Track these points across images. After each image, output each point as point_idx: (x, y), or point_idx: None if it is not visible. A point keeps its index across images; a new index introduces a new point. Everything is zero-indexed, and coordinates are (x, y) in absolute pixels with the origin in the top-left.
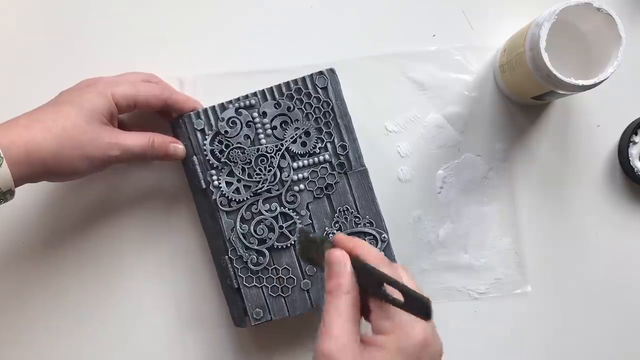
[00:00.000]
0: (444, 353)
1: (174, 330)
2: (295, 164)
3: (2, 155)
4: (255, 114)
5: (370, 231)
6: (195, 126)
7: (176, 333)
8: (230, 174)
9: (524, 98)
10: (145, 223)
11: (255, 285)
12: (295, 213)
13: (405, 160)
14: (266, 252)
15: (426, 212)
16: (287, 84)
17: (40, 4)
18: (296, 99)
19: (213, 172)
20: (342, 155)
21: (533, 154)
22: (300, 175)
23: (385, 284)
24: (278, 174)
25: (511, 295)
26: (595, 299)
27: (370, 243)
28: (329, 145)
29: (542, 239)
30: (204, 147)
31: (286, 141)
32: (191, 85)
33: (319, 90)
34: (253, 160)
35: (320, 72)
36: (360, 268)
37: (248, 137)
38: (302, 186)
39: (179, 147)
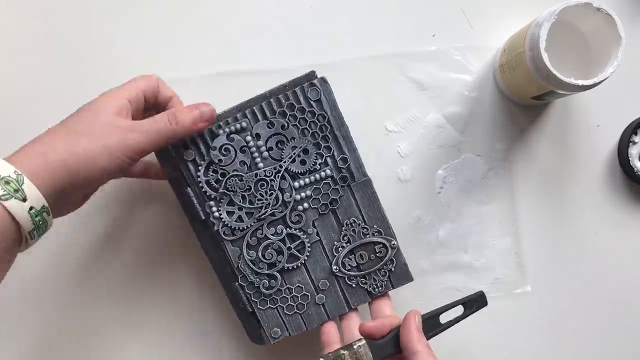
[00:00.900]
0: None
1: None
2: (296, 184)
3: (19, 173)
4: (249, 137)
5: (379, 240)
6: (185, 157)
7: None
8: (230, 203)
9: (524, 98)
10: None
11: (269, 307)
12: (302, 232)
13: (405, 160)
14: (277, 275)
15: (426, 212)
16: (278, 100)
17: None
18: (289, 115)
19: (212, 203)
20: (343, 168)
21: (533, 154)
22: (303, 194)
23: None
24: (280, 196)
25: (511, 295)
26: (595, 298)
27: (380, 251)
28: (329, 159)
29: (542, 239)
30: (199, 179)
31: (284, 162)
32: (191, 85)
33: (313, 104)
34: (252, 187)
35: (312, 84)
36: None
37: (244, 163)
38: (306, 205)
39: (205, 109)
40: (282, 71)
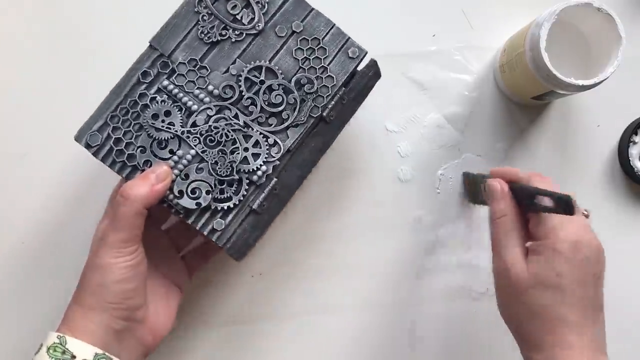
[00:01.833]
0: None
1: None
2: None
3: (61, 335)
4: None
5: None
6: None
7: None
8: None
9: (524, 98)
10: None
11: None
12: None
13: (405, 160)
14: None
15: (426, 212)
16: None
17: (41, 4)
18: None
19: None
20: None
21: (533, 154)
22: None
23: (537, 196)
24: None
25: None
26: None
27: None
28: None
29: None
30: None
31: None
32: None
33: None
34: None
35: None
36: (516, 189)
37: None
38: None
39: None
40: None
